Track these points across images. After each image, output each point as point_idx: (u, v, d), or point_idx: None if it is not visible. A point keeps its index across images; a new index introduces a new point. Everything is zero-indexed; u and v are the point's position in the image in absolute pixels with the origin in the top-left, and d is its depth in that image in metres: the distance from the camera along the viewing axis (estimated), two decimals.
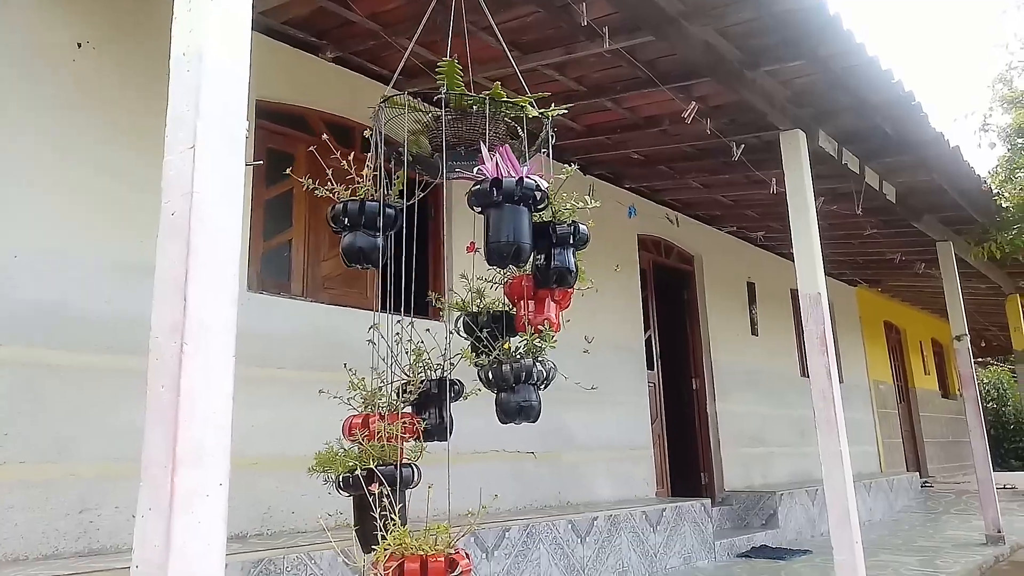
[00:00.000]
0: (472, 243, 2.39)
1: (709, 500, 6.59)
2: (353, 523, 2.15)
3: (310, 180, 2.28)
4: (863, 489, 8.91)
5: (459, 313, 2.42)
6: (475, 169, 2.20)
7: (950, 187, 6.48)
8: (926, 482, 12.58)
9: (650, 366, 7.44)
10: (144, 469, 1.45)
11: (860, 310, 12.12)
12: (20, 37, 3.51)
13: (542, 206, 2.22)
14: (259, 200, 4.46)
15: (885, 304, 13.24)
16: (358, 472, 2.04)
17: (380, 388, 2.24)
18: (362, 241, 2.22)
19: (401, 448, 2.11)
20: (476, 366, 2.26)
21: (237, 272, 1.55)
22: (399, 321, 2.28)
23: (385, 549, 1.86)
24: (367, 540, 2.06)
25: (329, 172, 2.33)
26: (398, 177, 2.38)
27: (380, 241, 2.24)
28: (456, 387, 2.32)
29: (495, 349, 2.24)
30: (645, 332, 7.45)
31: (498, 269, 2.31)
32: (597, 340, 6.46)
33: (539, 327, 2.24)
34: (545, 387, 2.24)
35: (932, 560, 6.29)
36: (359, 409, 2.22)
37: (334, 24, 4.49)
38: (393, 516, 1.94)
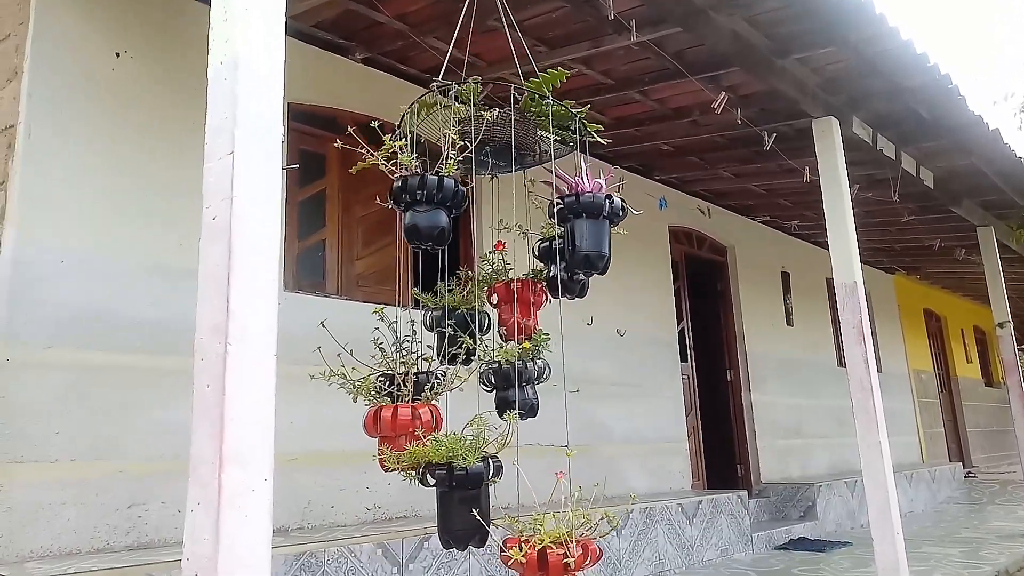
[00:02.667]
0: (501, 242, 2.47)
1: (746, 492, 6.55)
2: (448, 519, 2.12)
3: (391, 145, 2.21)
4: (904, 480, 8.76)
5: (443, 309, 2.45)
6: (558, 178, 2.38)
7: (990, 170, 6.33)
8: (969, 472, 12.31)
9: (684, 358, 7.41)
10: (192, 466, 1.49)
11: (898, 298, 11.89)
12: (63, 47, 3.62)
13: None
14: (292, 201, 4.53)
15: (924, 291, 12.96)
16: (470, 464, 2.02)
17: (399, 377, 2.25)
18: (439, 219, 2.19)
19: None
20: (485, 365, 2.37)
21: (277, 273, 1.59)
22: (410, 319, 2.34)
23: (527, 534, 1.93)
24: (462, 535, 2.08)
25: (395, 142, 2.29)
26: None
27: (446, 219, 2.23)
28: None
29: (475, 346, 2.35)
30: (678, 324, 7.41)
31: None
32: (630, 333, 6.49)
33: (533, 329, 2.43)
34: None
35: (976, 551, 6.17)
36: (370, 399, 2.22)
37: (362, 26, 4.54)
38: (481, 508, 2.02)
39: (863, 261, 4.75)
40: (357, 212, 4.91)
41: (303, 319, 4.31)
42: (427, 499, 5.14)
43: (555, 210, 2.36)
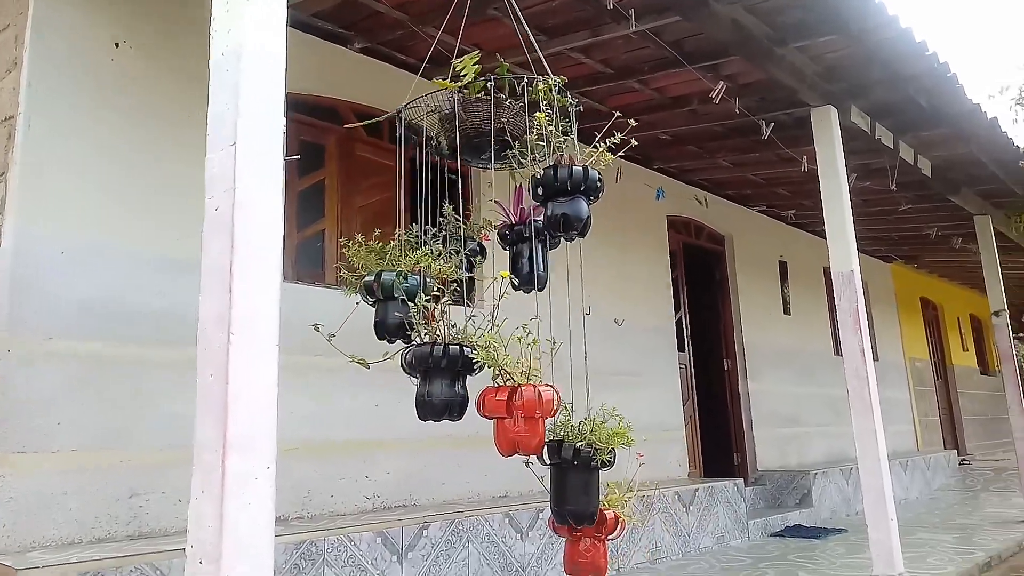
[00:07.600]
0: (486, 234, 2.57)
1: (742, 480, 6.59)
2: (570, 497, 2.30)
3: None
4: (899, 467, 8.82)
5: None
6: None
7: (988, 159, 6.34)
8: (964, 460, 12.39)
9: (681, 347, 7.43)
10: (196, 454, 1.51)
11: (895, 287, 11.93)
12: (63, 37, 3.59)
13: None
14: (292, 192, 4.53)
15: (921, 280, 13.00)
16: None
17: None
18: (582, 208, 2.32)
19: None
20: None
21: (279, 263, 1.60)
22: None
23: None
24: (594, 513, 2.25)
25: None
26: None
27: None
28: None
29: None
30: (676, 313, 7.43)
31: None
32: (628, 322, 6.51)
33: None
34: None
35: (970, 538, 6.23)
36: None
37: (361, 15, 4.52)
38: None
39: (860, 250, 4.77)
40: (356, 203, 4.91)
41: (302, 310, 4.33)
42: (424, 488, 5.17)
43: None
